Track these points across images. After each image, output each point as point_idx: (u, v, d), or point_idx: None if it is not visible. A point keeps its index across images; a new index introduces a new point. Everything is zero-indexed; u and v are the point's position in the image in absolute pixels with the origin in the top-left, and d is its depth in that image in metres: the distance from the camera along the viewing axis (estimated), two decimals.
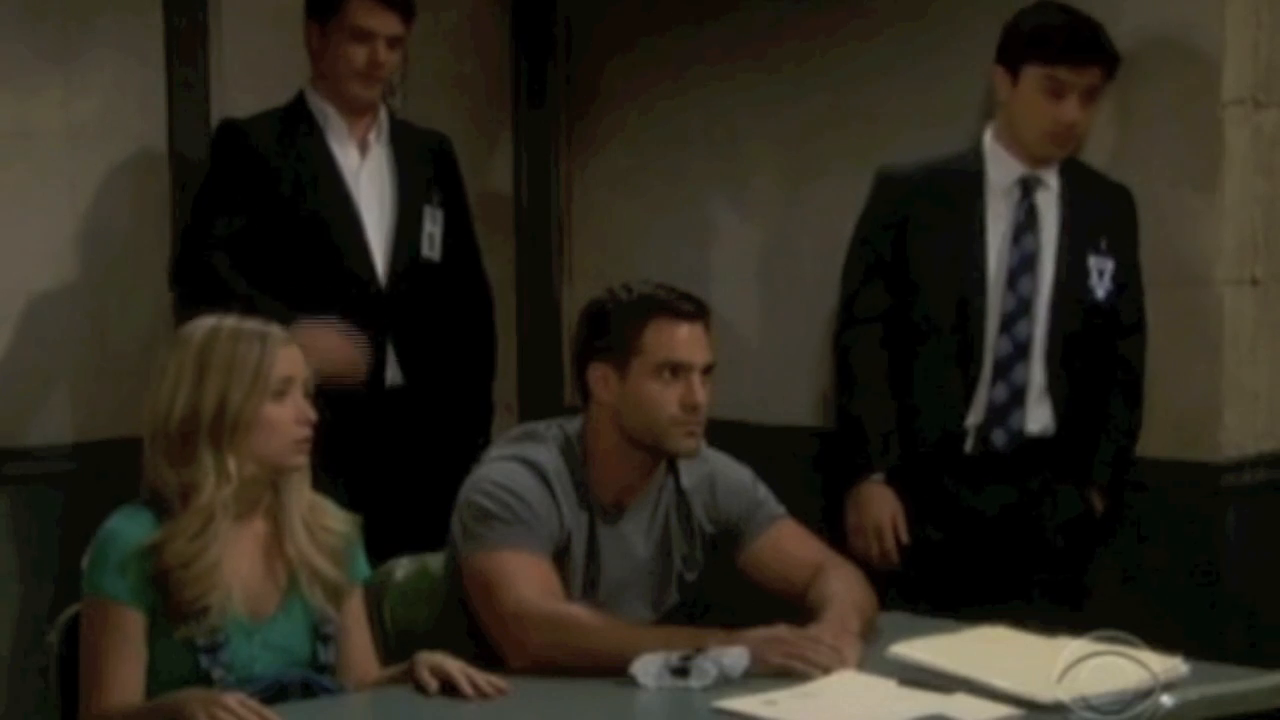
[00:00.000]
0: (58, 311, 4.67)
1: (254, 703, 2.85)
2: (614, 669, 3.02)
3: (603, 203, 5.41)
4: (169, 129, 4.79)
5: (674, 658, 3.01)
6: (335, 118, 4.37)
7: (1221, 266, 4.17)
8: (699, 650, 3.02)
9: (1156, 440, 4.19)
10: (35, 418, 4.65)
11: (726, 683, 2.99)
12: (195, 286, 4.26)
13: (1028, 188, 4.05)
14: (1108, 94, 4.18)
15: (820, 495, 4.20)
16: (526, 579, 3.21)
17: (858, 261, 4.19)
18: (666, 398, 3.30)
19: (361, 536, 3.21)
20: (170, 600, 2.96)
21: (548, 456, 3.36)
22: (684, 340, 3.33)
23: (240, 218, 4.29)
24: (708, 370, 3.35)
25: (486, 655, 3.16)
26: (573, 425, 3.43)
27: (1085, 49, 3.95)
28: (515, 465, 3.34)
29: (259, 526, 3.09)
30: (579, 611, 3.21)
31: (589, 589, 3.37)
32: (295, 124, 4.36)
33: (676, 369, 3.31)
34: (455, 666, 3.00)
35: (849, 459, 4.14)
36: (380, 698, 3.10)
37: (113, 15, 4.71)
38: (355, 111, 4.37)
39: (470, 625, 3.27)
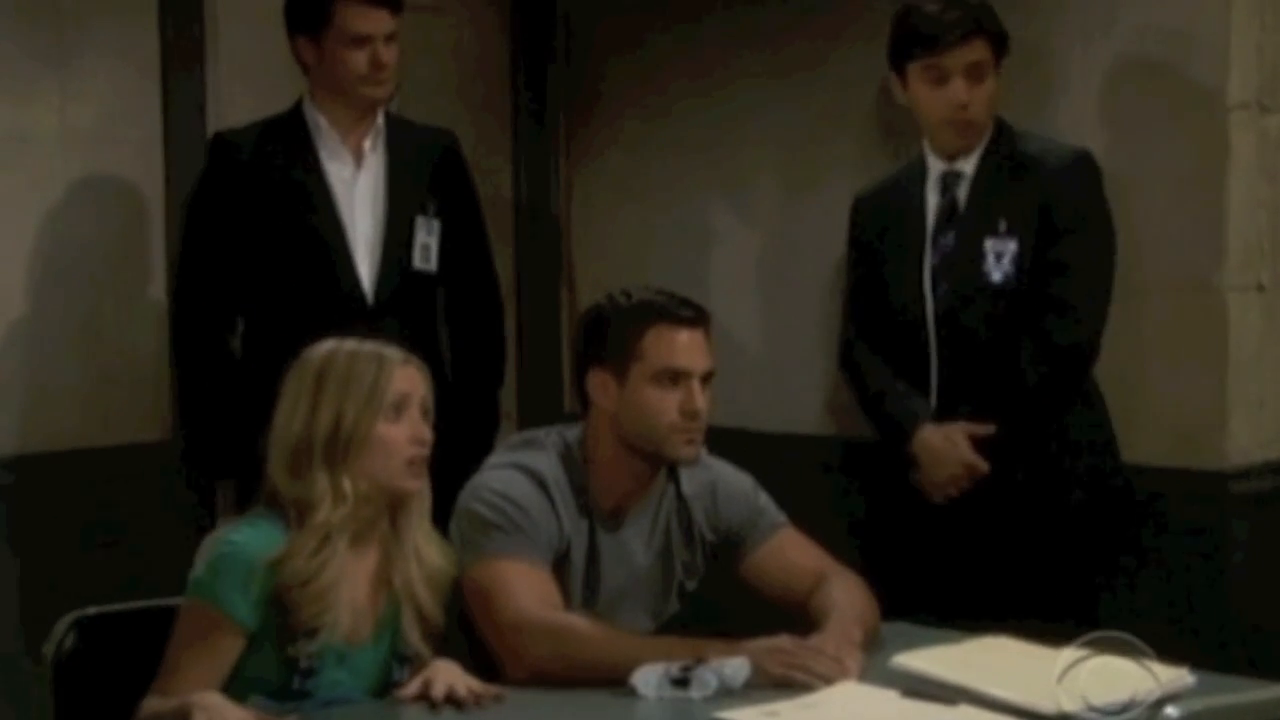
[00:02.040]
0: (52, 318, 4.67)
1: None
2: (614, 679, 3.00)
3: (603, 207, 5.40)
4: (164, 135, 4.80)
5: (674, 668, 2.99)
6: (329, 129, 4.34)
7: (1226, 272, 4.15)
8: (699, 660, 3.00)
9: (1162, 448, 4.17)
10: (28, 424, 4.63)
11: (727, 693, 2.96)
12: (193, 364, 4.38)
13: (946, 184, 4.08)
14: (1110, 95, 4.19)
15: (822, 502, 4.17)
16: (525, 589, 3.19)
17: (849, 286, 4.28)
18: (666, 405, 3.29)
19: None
20: (286, 618, 2.99)
21: (547, 464, 3.34)
22: (684, 346, 3.32)
23: (229, 245, 4.30)
24: (708, 377, 3.34)
25: (484, 665, 3.14)
26: (572, 432, 3.41)
27: (951, 29, 3.97)
28: (514, 473, 3.32)
29: (372, 556, 3.11)
30: (578, 621, 3.19)
31: (588, 598, 3.36)
32: (288, 136, 4.34)
33: (676, 376, 3.30)
34: (461, 684, 2.99)
35: (894, 437, 4.10)
36: (383, 707, 3.08)
37: (108, 21, 4.72)
38: (361, 115, 4.34)
39: (468, 634, 3.24)
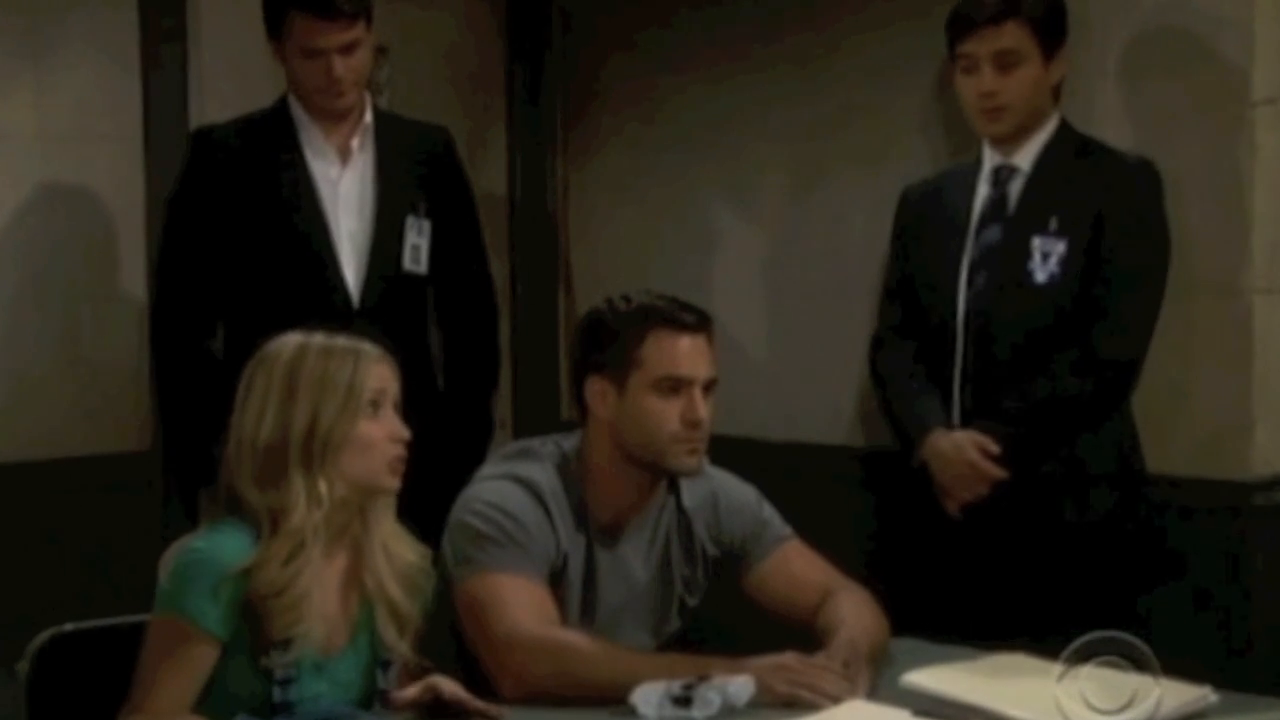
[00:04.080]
0: (28, 321, 4.66)
1: None
2: (613, 698, 2.96)
3: (601, 208, 5.41)
4: (144, 131, 4.79)
5: (676, 686, 2.94)
6: (313, 126, 4.30)
7: (1250, 275, 4.12)
8: (702, 678, 2.96)
9: (1183, 457, 4.15)
10: (4, 432, 4.61)
11: (731, 713, 2.93)
12: (173, 368, 4.33)
13: (999, 179, 4.04)
14: (1131, 91, 4.19)
15: (831, 513, 4.13)
16: (521, 604, 3.15)
17: (886, 282, 4.25)
18: (667, 413, 3.25)
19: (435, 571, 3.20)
20: (258, 629, 2.93)
21: (543, 475, 3.31)
22: (685, 353, 3.28)
23: (210, 245, 4.25)
24: (710, 385, 3.31)
25: (477, 682, 3.08)
26: (570, 442, 3.38)
27: (980, 11, 3.95)
28: (509, 484, 3.28)
29: (341, 561, 3.06)
30: (576, 638, 3.15)
31: (586, 615, 3.32)
32: (272, 132, 4.30)
33: (677, 383, 3.26)
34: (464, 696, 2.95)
35: (907, 442, 4.06)
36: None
37: (86, 12, 4.71)
38: (334, 119, 4.30)
39: (460, 650, 3.20)
